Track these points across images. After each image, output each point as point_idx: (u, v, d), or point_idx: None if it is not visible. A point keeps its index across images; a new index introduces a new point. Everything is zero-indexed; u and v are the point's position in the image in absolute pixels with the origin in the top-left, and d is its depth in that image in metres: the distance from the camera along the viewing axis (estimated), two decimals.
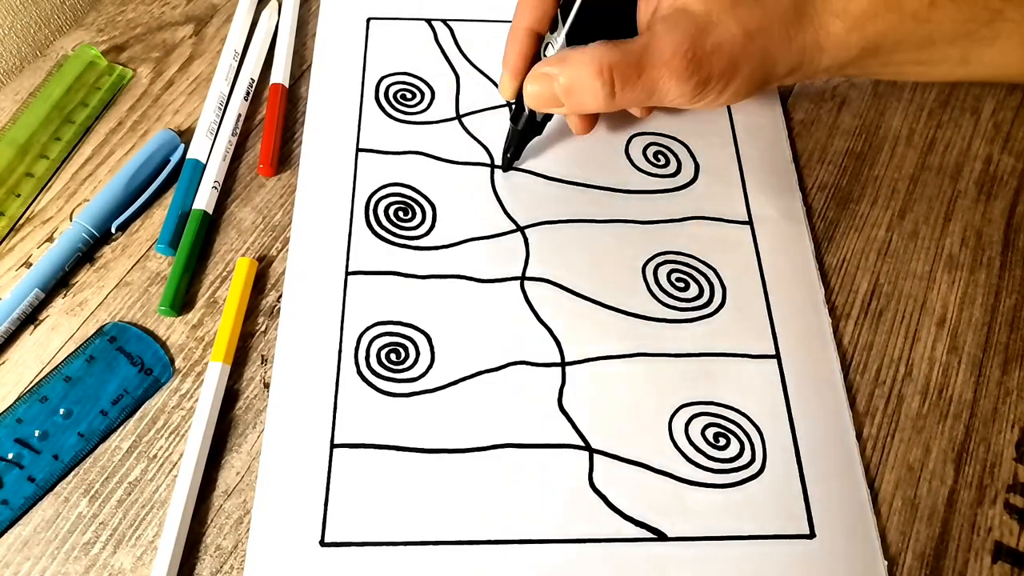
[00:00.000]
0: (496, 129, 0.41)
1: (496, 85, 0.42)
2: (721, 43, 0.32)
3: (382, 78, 0.42)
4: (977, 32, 0.34)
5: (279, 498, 0.31)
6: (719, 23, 0.32)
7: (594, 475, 0.32)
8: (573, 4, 0.33)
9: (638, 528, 0.31)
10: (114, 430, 0.32)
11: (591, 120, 0.38)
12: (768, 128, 0.42)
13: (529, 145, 0.40)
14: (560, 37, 0.33)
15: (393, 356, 0.34)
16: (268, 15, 0.44)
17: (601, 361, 0.34)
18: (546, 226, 0.38)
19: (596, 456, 0.32)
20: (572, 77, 0.32)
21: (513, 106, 0.37)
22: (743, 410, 0.34)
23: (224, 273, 0.36)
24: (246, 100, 0.41)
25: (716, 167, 0.40)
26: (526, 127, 0.37)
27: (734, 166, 0.40)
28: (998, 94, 0.44)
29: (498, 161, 0.40)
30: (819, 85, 0.44)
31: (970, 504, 0.33)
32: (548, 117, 0.38)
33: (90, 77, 0.41)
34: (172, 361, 0.34)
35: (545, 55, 0.34)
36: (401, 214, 0.38)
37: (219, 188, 0.38)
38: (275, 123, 0.40)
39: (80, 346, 0.34)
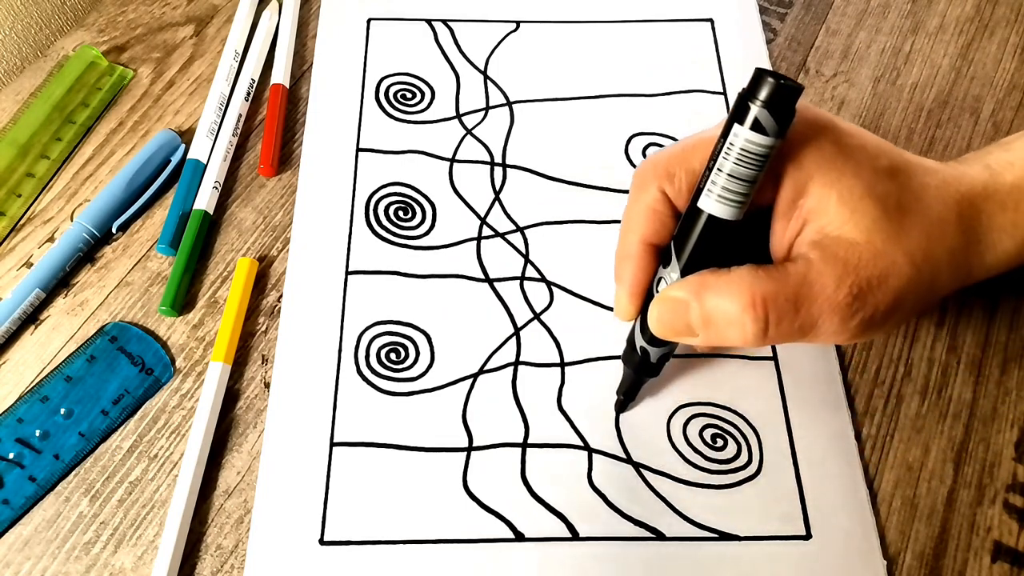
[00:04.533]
0: (497, 128, 0.41)
1: (497, 86, 0.42)
2: (887, 276, 0.27)
3: (382, 78, 0.42)
4: None
5: (279, 497, 0.31)
6: (884, 253, 0.27)
7: (593, 474, 0.32)
8: (692, 233, 0.27)
9: (636, 527, 0.31)
10: (115, 430, 0.32)
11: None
12: None
13: (529, 147, 0.40)
14: (675, 274, 0.28)
15: (393, 355, 0.34)
16: (269, 16, 0.44)
17: (600, 362, 0.35)
18: (546, 226, 0.38)
19: (595, 456, 0.33)
20: (714, 307, 0.27)
21: (627, 344, 0.32)
22: (741, 411, 0.34)
23: (225, 273, 0.36)
24: (247, 100, 0.41)
25: None
26: (640, 369, 0.31)
27: None
28: (997, 94, 0.44)
29: (498, 159, 0.40)
30: (818, 86, 0.44)
31: (969, 504, 0.33)
32: (667, 357, 0.31)
33: (91, 77, 0.41)
34: (173, 361, 0.34)
35: (657, 292, 0.29)
36: (401, 214, 0.38)
37: (220, 188, 0.38)
38: (276, 123, 0.40)
39: (81, 346, 0.34)
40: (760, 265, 0.27)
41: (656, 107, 0.42)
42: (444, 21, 0.44)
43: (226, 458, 0.32)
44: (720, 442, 0.33)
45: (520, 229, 0.38)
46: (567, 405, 0.34)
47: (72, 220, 0.37)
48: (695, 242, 0.27)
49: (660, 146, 0.41)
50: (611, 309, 0.36)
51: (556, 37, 0.44)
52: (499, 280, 0.36)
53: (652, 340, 0.30)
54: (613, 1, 0.46)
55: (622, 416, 0.33)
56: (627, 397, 0.33)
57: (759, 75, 0.24)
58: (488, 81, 0.42)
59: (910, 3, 0.47)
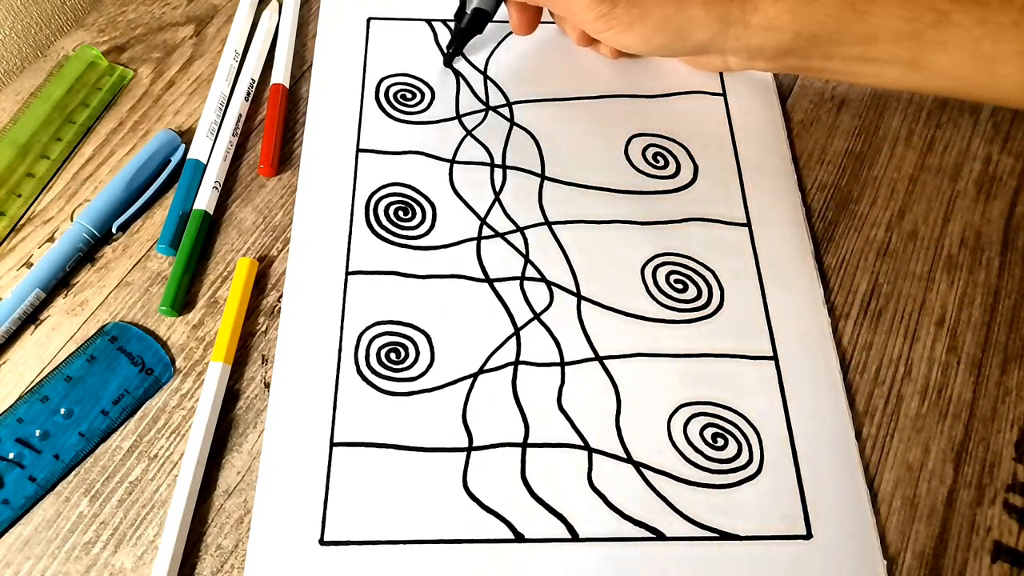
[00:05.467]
0: (496, 129, 0.41)
1: (497, 87, 0.42)
2: None
3: (382, 78, 0.42)
4: (924, 34, 0.33)
5: (279, 497, 0.31)
6: None
7: (593, 474, 0.32)
8: None
9: (637, 527, 0.31)
10: (115, 430, 0.32)
11: (527, 18, 0.40)
12: (767, 129, 0.42)
13: (529, 147, 0.40)
14: None
15: (393, 355, 0.34)
16: (268, 15, 0.44)
17: (600, 361, 0.35)
18: (545, 226, 0.38)
19: (595, 456, 0.33)
20: None
21: (459, 3, 0.41)
22: (741, 411, 0.34)
23: (225, 273, 0.36)
24: (247, 100, 0.41)
25: (715, 168, 0.40)
26: (468, 25, 0.41)
27: (733, 167, 0.40)
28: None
29: (498, 160, 0.40)
30: (819, 86, 0.44)
31: (969, 504, 0.33)
32: (487, 17, 0.41)
33: (91, 77, 0.41)
34: (173, 361, 0.34)
35: None
36: (401, 214, 0.38)
37: (220, 188, 0.38)
38: (276, 123, 0.40)
39: (81, 346, 0.34)
40: None
41: (656, 107, 0.42)
42: (444, 21, 0.44)
43: (226, 458, 0.32)
44: (720, 442, 0.33)
45: (520, 229, 0.38)
46: (567, 405, 0.34)
47: (72, 220, 0.37)
48: None
49: (660, 147, 0.41)
50: (611, 309, 0.36)
51: (556, 37, 0.44)
52: (499, 280, 0.36)
53: None
54: None
55: (623, 415, 0.33)
56: (454, 51, 0.42)
57: None
58: (488, 81, 0.42)
59: None
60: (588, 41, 0.41)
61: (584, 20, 0.36)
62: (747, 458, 0.33)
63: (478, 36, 0.43)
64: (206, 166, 0.38)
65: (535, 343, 0.35)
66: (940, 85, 0.37)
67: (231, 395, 0.33)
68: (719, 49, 0.37)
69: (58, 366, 0.33)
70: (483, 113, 0.41)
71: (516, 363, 0.34)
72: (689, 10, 0.35)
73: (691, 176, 0.40)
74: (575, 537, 0.31)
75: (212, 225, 0.37)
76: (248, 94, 0.41)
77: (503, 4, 0.41)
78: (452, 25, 0.42)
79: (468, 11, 0.41)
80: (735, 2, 0.35)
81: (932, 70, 0.35)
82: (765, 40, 0.35)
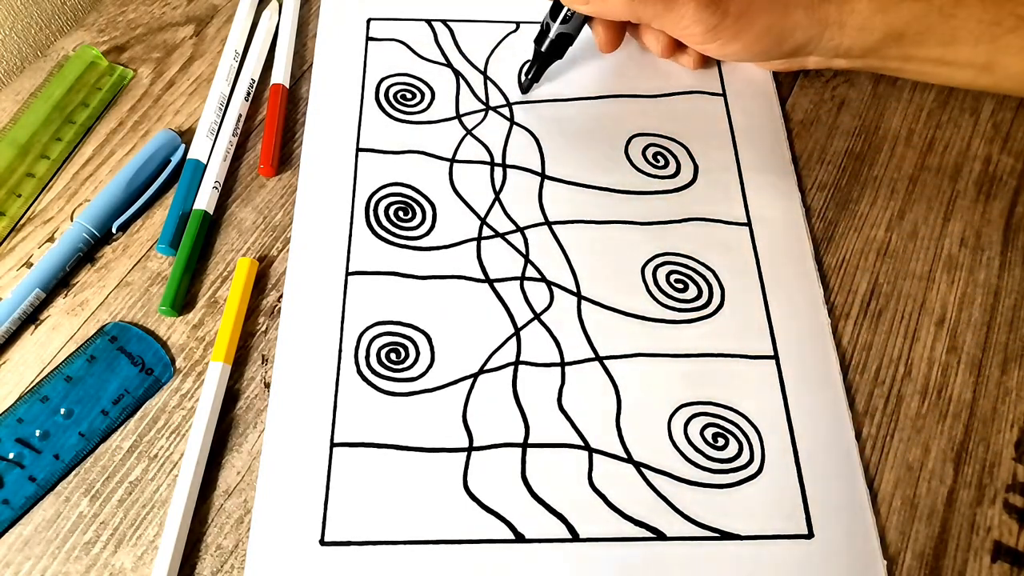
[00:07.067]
0: (496, 129, 0.41)
1: (496, 86, 0.42)
2: None
3: (382, 78, 0.42)
4: (1002, 38, 0.34)
5: (279, 497, 0.31)
6: None
7: (593, 474, 0.32)
8: None
9: (637, 527, 0.31)
10: (115, 430, 0.32)
11: (614, 35, 0.39)
12: (767, 129, 0.42)
13: (529, 147, 0.40)
14: None
15: (393, 356, 0.34)
16: (269, 15, 0.44)
17: (600, 361, 0.35)
18: (546, 226, 0.38)
19: (595, 456, 0.33)
20: None
21: (540, 27, 0.40)
22: (742, 410, 0.34)
23: (225, 273, 0.36)
24: (247, 100, 0.41)
25: (715, 168, 0.40)
26: (548, 49, 0.40)
27: (733, 167, 0.40)
28: (998, 94, 0.44)
29: (498, 159, 0.40)
30: (818, 86, 0.44)
31: (969, 504, 0.33)
32: (569, 41, 0.40)
33: (91, 77, 0.41)
34: (173, 361, 0.34)
35: None
36: (401, 214, 0.38)
37: (220, 188, 0.38)
38: (276, 123, 0.40)
39: (81, 346, 0.34)
40: None
41: (656, 107, 0.42)
42: (444, 21, 0.45)
43: (226, 458, 0.32)
44: (721, 441, 0.33)
45: (520, 229, 0.38)
46: (567, 405, 0.34)
47: (72, 220, 0.37)
48: None
49: (660, 147, 0.41)
50: (611, 309, 0.36)
51: None
52: (499, 280, 0.36)
53: (554, 13, 0.39)
54: None
55: (623, 415, 0.33)
56: (533, 78, 0.41)
57: None
58: (488, 81, 0.42)
59: None
60: (672, 52, 0.41)
61: (690, 34, 0.36)
62: (748, 458, 0.33)
63: (481, 41, 0.43)
64: (206, 166, 0.38)
65: (535, 343, 0.35)
66: (1008, 87, 0.38)
67: (231, 395, 0.33)
68: (809, 50, 0.37)
69: (58, 366, 0.33)
70: (483, 113, 0.41)
71: (516, 363, 0.34)
72: (793, 15, 0.35)
73: (691, 176, 0.40)
74: (575, 537, 0.31)
75: (212, 225, 0.37)
76: (248, 94, 0.41)
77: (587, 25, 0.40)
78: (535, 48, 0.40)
79: (551, 36, 0.39)
80: (833, 4, 0.35)
81: (1005, 74, 0.36)
82: (856, 41, 0.36)
